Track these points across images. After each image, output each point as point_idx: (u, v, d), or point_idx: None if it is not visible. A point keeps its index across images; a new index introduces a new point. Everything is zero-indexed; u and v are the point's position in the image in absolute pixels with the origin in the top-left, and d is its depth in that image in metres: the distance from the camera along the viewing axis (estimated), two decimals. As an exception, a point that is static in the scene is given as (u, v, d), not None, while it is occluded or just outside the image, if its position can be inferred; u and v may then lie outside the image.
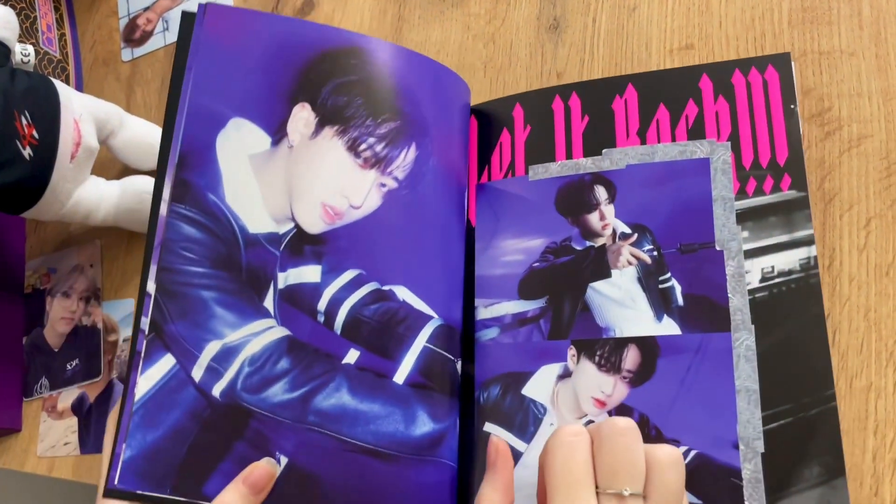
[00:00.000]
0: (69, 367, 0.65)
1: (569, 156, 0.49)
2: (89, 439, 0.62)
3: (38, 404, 0.66)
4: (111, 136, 0.61)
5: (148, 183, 0.61)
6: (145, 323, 0.45)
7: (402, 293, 0.46)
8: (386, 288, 0.46)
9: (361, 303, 0.45)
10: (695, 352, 0.43)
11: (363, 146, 0.47)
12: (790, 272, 0.43)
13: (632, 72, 0.52)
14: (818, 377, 0.41)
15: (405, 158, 0.47)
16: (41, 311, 0.68)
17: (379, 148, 0.47)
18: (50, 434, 0.64)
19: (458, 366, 0.47)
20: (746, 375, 0.42)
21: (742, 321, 0.43)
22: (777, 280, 0.43)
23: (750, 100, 0.46)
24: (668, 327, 0.44)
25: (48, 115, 0.55)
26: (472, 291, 0.49)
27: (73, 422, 0.64)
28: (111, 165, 0.66)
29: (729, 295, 0.43)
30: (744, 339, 0.42)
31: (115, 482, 0.43)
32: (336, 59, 0.48)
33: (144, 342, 0.45)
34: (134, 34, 0.75)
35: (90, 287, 0.66)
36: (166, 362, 0.45)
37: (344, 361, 0.45)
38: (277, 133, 0.47)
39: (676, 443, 0.42)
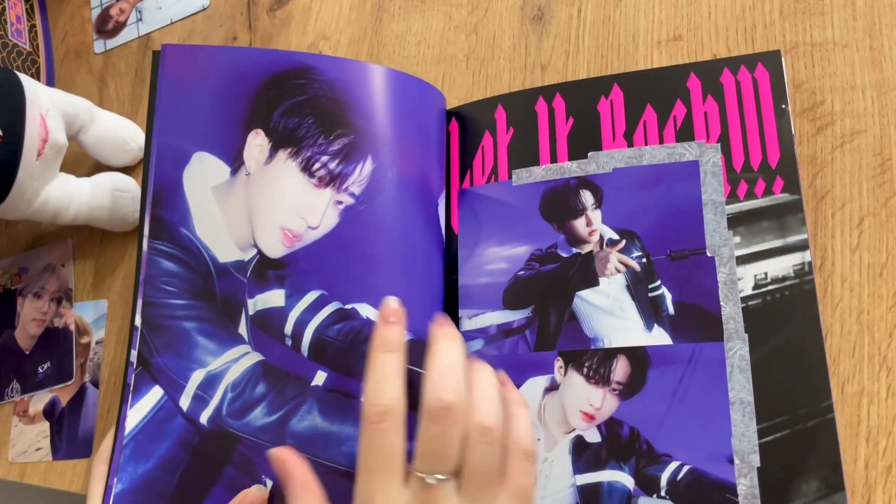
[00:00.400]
0: (41, 370, 0.63)
1: (553, 159, 0.47)
2: (61, 445, 0.60)
3: (8, 408, 0.64)
4: (81, 132, 0.59)
5: (119, 180, 0.59)
6: (134, 356, 0.46)
7: (366, 310, 0.45)
8: (349, 306, 0.45)
9: (325, 323, 0.45)
10: (687, 362, 0.42)
11: (317, 165, 0.46)
12: (784, 279, 0.41)
13: (618, 64, 0.50)
14: (815, 387, 0.39)
15: (361, 173, 0.46)
16: (12, 312, 0.66)
17: (333, 165, 0.46)
18: (21, 439, 0.63)
19: None
20: (741, 387, 0.40)
21: (735, 330, 0.41)
22: (770, 287, 0.41)
23: (740, 100, 0.44)
24: (659, 337, 0.43)
25: (12, 111, 0.53)
26: (455, 302, 0.47)
27: (44, 426, 0.62)
28: (83, 162, 0.64)
29: (721, 303, 0.42)
30: (737, 349, 0.41)
31: None
32: (285, 82, 0.48)
33: (133, 375, 0.46)
34: (107, 25, 0.72)
35: (62, 287, 0.64)
36: (154, 394, 0.46)
37: (313, 384, 0.45)
38: (235, 162, 0.48)
39: (668, 457, 0.41)
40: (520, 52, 0.54)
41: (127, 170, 0.62)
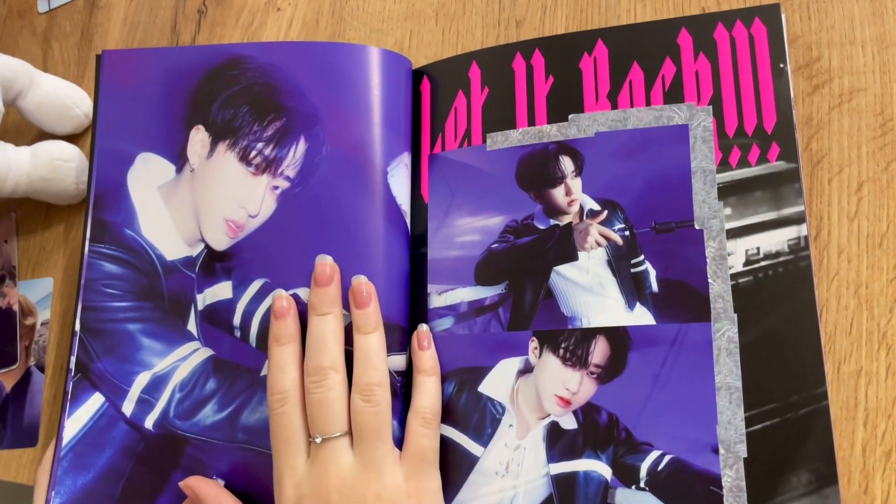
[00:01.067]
0: (-19, 353, 0.60)
1: (531, 122, 0.43)
2: (6, 433, 0.57)
3: (-50, 394, 0.60)
4: (20, 97, 0.54)
5: (61, 148, 0.54)
6: (73, 363, 0.46)
7: (307, 295, 0.44)
8: (290, 292, 0.44)
9: (270, 312, 0.44)
10: (670, 344, 0.38)
11: (253, 153, 0.46)
12: (777, 254, 0.38)
13: (599, 19, 0.46)
14: (808, 373, 0.36)
15: (295, 155, 0.46)
16: (-50, 293, 0.62)
17: (267, 151, 0.46)
18: (-38, 428, 0.59)
19: (401, 360, 0.43)
20: (728, 371, 0.37)
21: (724, 310, 0.38)
22: (763, 263, 0.38)
23: (734, 58, 0.41)
24: (641, 316, 0.39)
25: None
26: (424, 276, 0.44)
27: (-14, 414, 0.58)
28: (26, 131, 0.60)
29: (709, 280, 0.38)
30: (725, 331, 0.38)
31: None
32: (219, 75, 0.48)
33: (71, 383, 0.46)
34: None
35: (5, 265, 0.60)
36: (94, 401, 0.46)
37: (262, 374, 0.44)
38: (180, 159, 0.48)
39: (649, 446, 0.38)
40: (493, 7, 0.50)
41: (72, 138, 0.57)
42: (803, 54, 0.42)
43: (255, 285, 0.45)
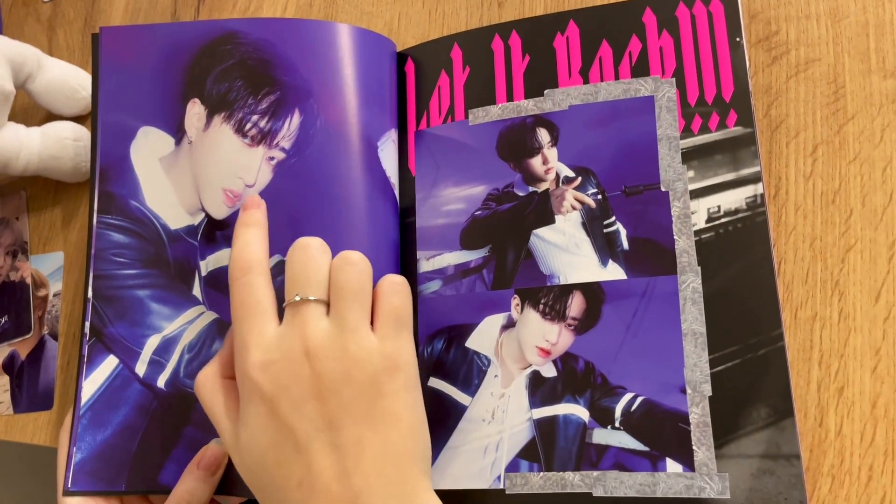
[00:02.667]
0: (-2, 323, 0.63)
1: (510, 98, 0.47)
2: (22, 398, 0.60)
3: (-32, 364, 0.63)
4: (29, 80, 0.57)
5: (70, 129, 0.57)
6: (87, 328, 0.48)
7: None
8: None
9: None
10: (640, 296, 0.42)
11: (248, 125, 0.48)
12: (736, 211, 0.41)
13: (575, 0, 0.49)
14: (766, 317, 0.40)
15: (289, 127, 0.47)
16: (-34, 267, 0.65)
17: (262, 123, 0.48)
18: (-19, 393, 0.62)
19: None
20: (693, 318, 0.41)
21: (688, 263, 0.41)
22: (723, 220, 0.41)
23: (695, 33, 0.44)
24: (614, 272, 0.43)
25: (-48, 58, 0.52)
26: (413, 244, 0.47)
27: (4, 380, 0.61)
28: (34, 113, 0.62)
29: (675, 237, 0.42)
30: (690, 282, 0.41)
31: (69, 485, 0.46)
32: (214, 49, 0.50)
33: (86, 347, 0.48)
34: None
35: (17, 241, 0.63)
36: (109, 364, 0.48)
37: None
38: (178, 132, 0.50)
39: (623, 389, 0.41)
40: (476, -12, 0.53)
41: (79, 119, 0.60)
42: (763, 28, 0.45)
43: None
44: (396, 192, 0.48)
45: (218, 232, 0.48)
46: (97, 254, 0.49)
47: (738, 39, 0.43)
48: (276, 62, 0.48)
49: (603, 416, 0.41)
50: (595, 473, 0.41)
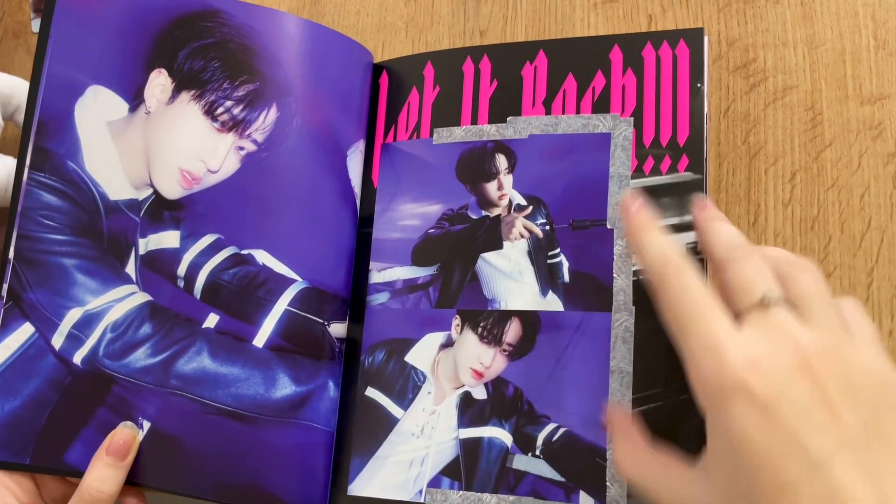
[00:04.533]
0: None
1: (474, 121, 0.47)
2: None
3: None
4: (18, 112, 0.55)
5: None
6: (4, 290, 0.46)
7: (262, 257, 0.46)
8: (245, 252, 0.46)
9: (220, 267, 0.46)
10: (575, 329, 0.42)
11: (220, 109, 0.46)
12: None
13: (556, 28, 0.50)
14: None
15: (265, 120, 0.46)
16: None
17: (237, 111, 0.46)
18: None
19: (341, 328, 0.46)
20: (622, 357, 0.41)
21: (624, 302, 0.42)
22: None
23: (658, 75, 0.44)
24: (552, 303, 0.43)
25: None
26: (368, 254, 0.48)
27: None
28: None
29: (614, 275, 0.43)
30: (623, 321, 0.42)
31: None
32: (192, 23, 0.47)
33: (2, 311, 0.46)
34: (43, 4, 0.69)
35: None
36: (24, 331, 0.45)
37: (204, 326, 0.45)
38: (135, 99, 0.47)
39: (547, 419, 0.42)
40: (458, 19, 0.54)
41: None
42: (741, 56, 0.46)
43: (207, 240, 0.46)
44: (358, 201, 0.49)
45: (166, 212, 0.46)
46: (24, 212, 0.46)
47: (699, 85, 0.44)
48: (260, 52, 0.47)
49: (525, 443, 0.42)
50: (511, 498, 0.41)
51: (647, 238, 0.36)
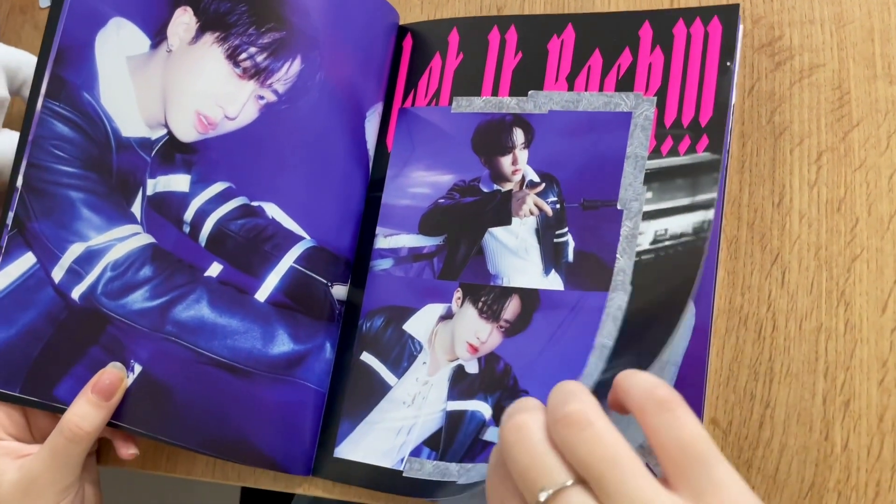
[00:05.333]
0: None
1: (495, 92, 0.46)
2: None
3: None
4: (24, 87, 0.54)
5: None
6: (10, 218, 0.45)
7: (272, 210, 0.45)
8: (255, 204, 0.45)
9: (228, 217, 0.45)
10: (570, 309, 0.41)
11: (243, 55, 0.45)
12: (682, 235, 0.39)
13: (575, 4, 0.48)
14: (656, 336, 0.37)
15: (287, 71, 0.45)
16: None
17: (260, 58, 0.45)
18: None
19: (343, 290, 0.46)
20: (607, 333, 0.39)
21: (622, 282, 0.40)
22: (667, 243, 0.40)
23: (687, 53, 0.42)
24: (553, 282, 0.42)
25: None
26: (375, 219, 0.47)
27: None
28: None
29: (617, 255, 0.41)
30: (617, 300, 0.40)
31: None
32: None
33: (6, 238, 0.45)
34: None
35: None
36: (26, 260, 0.45)
37: (206, 274, 0.44)
38: (157, 36, 0.46)
39: (525, 393, 0.41)
40: (476, -7, 0.52)
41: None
42: (766, 33, 0.44)
43: (217, 187, 0.45)
44: (370, 164, 0.48)
45: (178, 154, 0.45)
46: (35, 140, 0.45)
47: (728, 63, 0.41)
48: (290, 0, 0.45)
49: (500, 416, 0.41)
50: (469, 465, 0.41)
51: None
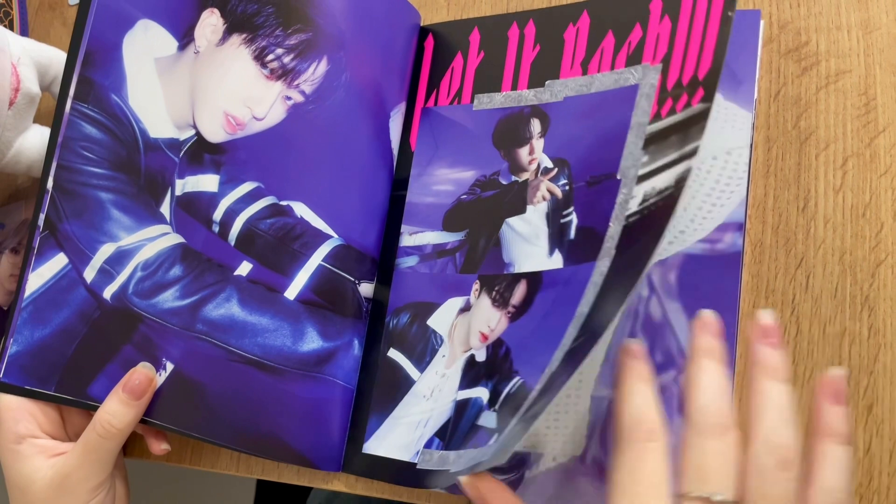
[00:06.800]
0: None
1: (514, 87, 0.46)
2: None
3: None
4: (55, 83, 0.54)
5: None
6: (42, 220, 0.46)
7: (300, 209, 0.45)
8: (283, 203, 0.45)
9: (257, 216, 0.45)
10: (564, 284, 0.39)
11: (270, 56, 0.45)
12: (665, 189, 0.36)
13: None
14: (610, 303, 0.34)
15: (314, 72, 0.45)
16: (-9, 268, 0.63)
17: (287, 59, 0.45)
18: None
19: (369, 288, 0.47)
20: (587, 302, 0.36)
21: (609, 249, 0.37)
22: (652, 200, 0.36)
23: (692, 14, 0.40)
24: (555, 261, 0.40)
25: (-20, 59, 0.50)
26: (400, 217, 0.48)
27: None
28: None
29: (610, 223, 0.38)
30: (601, 266, 0.37)
31: (1, 376, 0.45)
32: None
33: (38, 239, 0.46)
34: None
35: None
36: (58, 261, 0.46)
37: (236, 273, 0.45)
38: (185, 38, 0.47)
39: (515, 374, 0.39)
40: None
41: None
42: (792, 39, 0.43)
43: (246, 187, 0.45)
44: (394, 163, 0.48)
45: (207, 155, 0.46)
46: (65, 143, 0.46)
47: (730, 13, 0.38)
48: (315, 1, 0.45)
49: (494, 400, 0.39)
50: (461, 451, 0.39)
51: (632, 390, 0.33)
